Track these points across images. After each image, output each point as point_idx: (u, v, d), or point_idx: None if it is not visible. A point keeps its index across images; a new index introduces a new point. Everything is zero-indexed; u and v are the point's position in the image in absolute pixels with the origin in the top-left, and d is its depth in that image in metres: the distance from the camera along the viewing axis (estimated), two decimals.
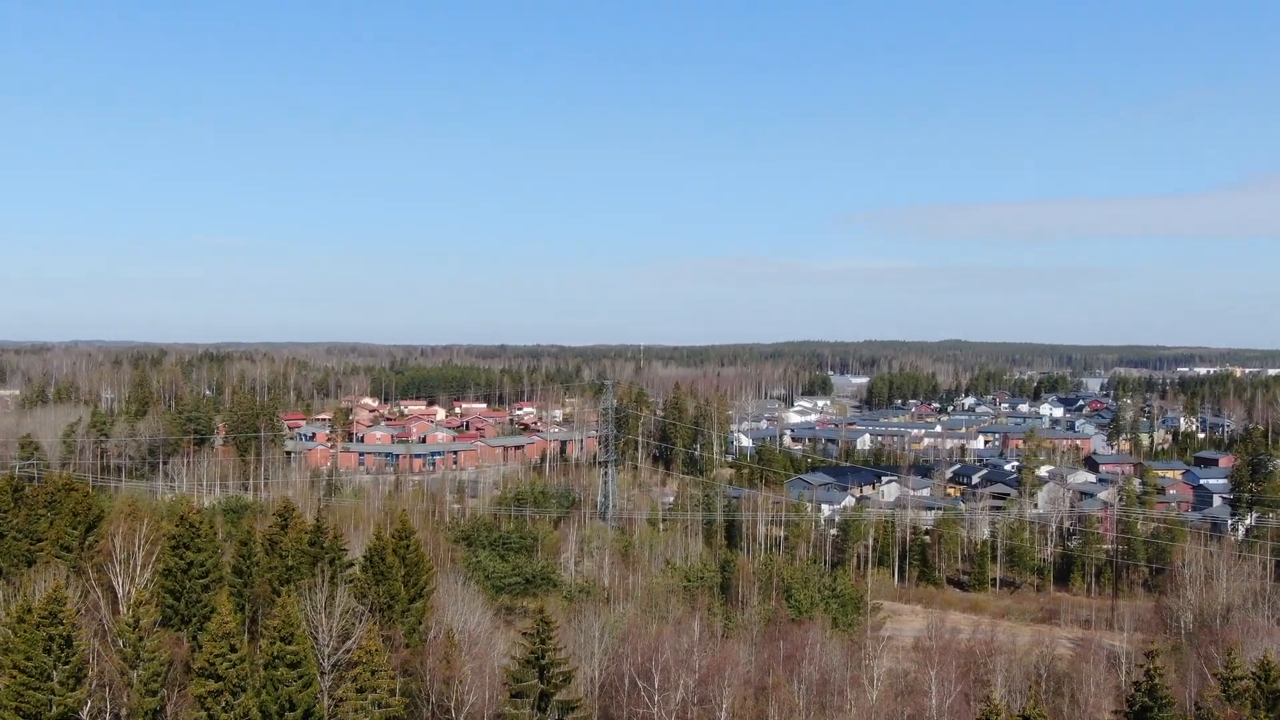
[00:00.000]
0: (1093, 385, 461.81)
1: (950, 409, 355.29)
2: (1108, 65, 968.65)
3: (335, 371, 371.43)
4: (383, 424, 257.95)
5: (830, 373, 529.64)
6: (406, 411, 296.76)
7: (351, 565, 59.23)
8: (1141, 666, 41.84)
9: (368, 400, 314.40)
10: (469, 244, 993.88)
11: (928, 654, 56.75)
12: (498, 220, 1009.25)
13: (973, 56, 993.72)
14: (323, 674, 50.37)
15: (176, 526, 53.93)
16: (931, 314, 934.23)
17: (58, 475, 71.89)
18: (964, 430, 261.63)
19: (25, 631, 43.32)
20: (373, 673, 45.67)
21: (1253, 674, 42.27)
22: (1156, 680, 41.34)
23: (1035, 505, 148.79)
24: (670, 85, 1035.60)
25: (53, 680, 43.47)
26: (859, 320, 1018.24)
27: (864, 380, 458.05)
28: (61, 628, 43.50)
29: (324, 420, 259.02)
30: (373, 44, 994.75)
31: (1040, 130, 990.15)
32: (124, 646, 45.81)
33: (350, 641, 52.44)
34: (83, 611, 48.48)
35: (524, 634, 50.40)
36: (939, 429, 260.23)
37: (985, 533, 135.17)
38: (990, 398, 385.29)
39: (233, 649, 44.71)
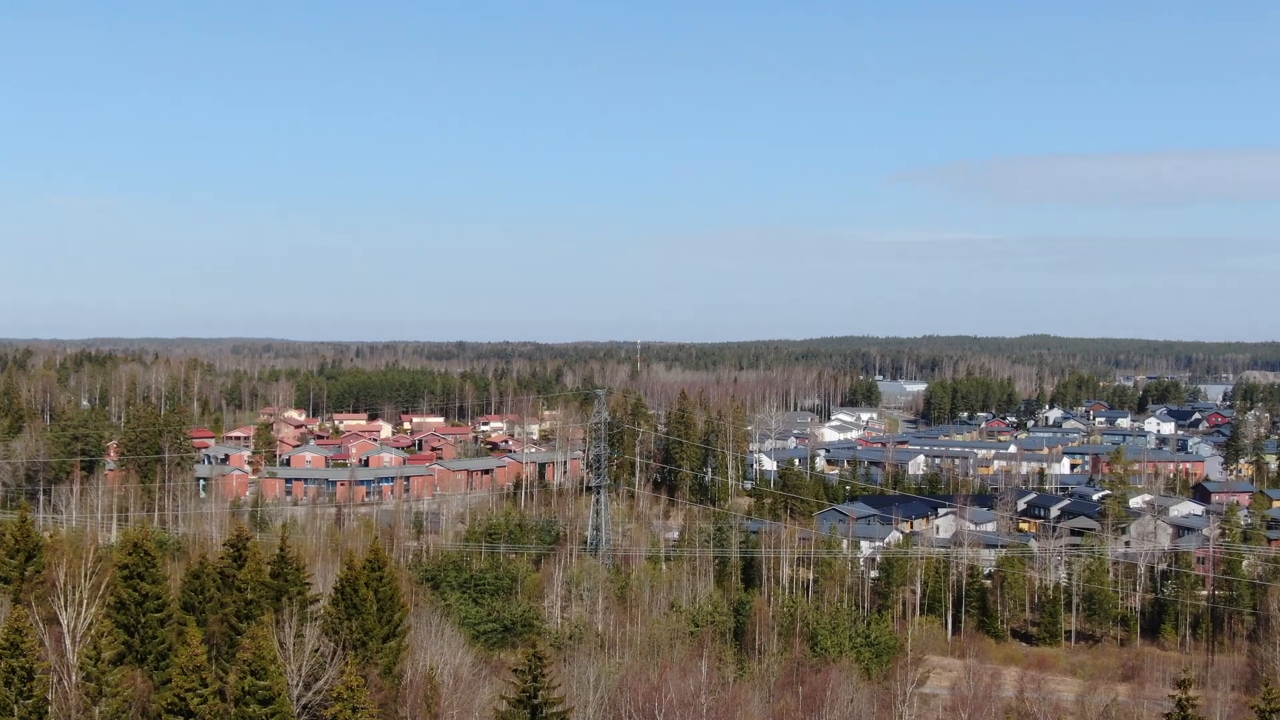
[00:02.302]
0: (1214, 394, 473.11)
1: (1030, 424, 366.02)
2: None
3: (249, 376, 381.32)
4: (313, 443, 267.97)
5: (878, 378, 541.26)
6: (343, 427, 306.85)
7: (316, 600, 68.82)
8: (1173, 697, 51.57)
9: (293, 413, 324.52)
10: (415, 214, 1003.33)
11: (962, 699, 66.39)
12: (452, 185, 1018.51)
13: None
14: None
15: (129, 555, 63.40)
16: (1012, 301, 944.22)
17: None
18: (1045, 451, 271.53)
19: None
20: (354, 709, 55.17)
21: None
22: (1189, 712, 51.15)
23: (1127, 543, 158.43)
24: (678, 12, 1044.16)
25: (14, 715, 53.00)
26: (918, 310, 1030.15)
27: (920, 387, 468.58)
28: (24, 659, 53.02)
29: (239, 439, 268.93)
30: None
31: (1160, 62, 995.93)
32: (85, 680, 55.30)
33: (321, 682, 61.98)
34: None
35: (514, 670, 60.03)
36: (1013, 449, 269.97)
37: (1062, 575, 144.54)
38: (1082, 410, 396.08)
39: (204, 683, 54.24)
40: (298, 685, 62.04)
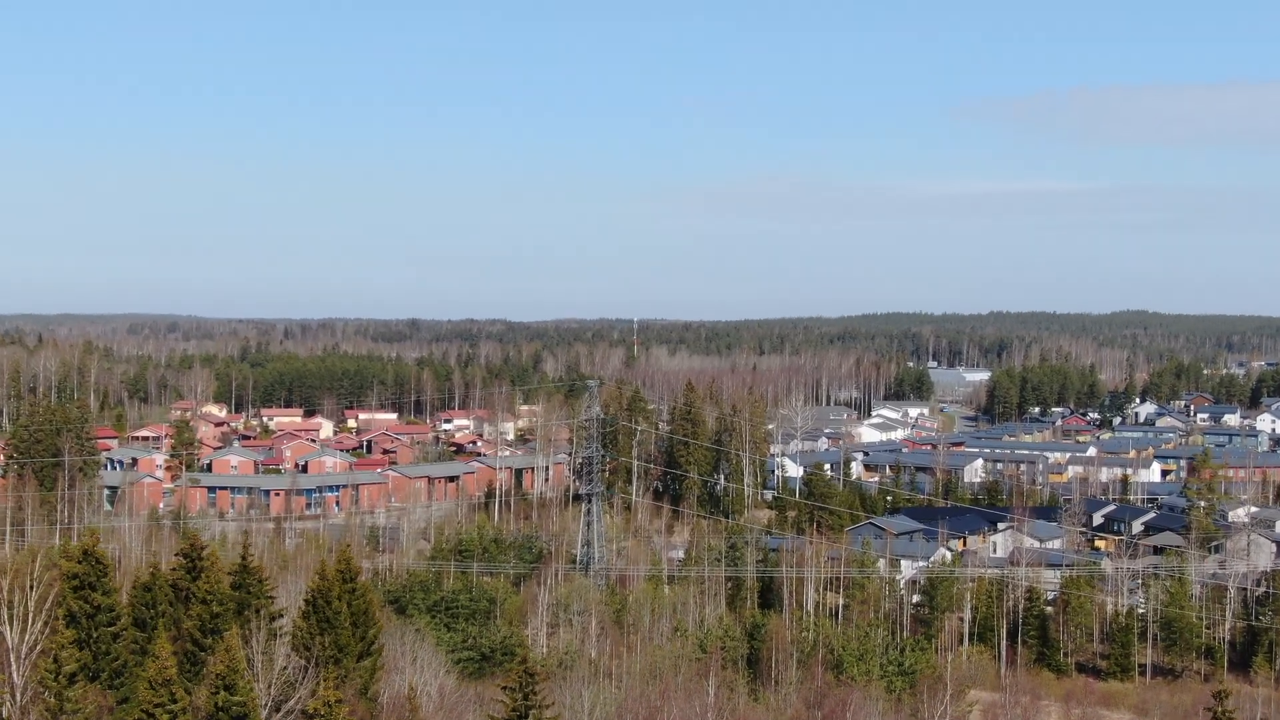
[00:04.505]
0: None
1: (1116, 422, 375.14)
2: None
3: (156, 363, 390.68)
4: (238, 444, 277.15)
5: (931, 365, 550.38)
6: (273, 426, 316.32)
7: (282, 615, 78.26)
8: (1209, 710, 61.24)
9: (212, 408, 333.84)
10: (355, 161, 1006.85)
11: None
12: (400, 125, 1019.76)
13: None
14: None
15: (79, 564, 72.69)
16: (1101, 268, 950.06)
17: None
18: (1131, 454, 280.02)
19: None
20: None
21: None
22: None
23: (1221, 563, 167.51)
24: None
25: None
26: (982, 280, 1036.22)
27: (983, 377, 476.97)
28: None
29: (148, 439, 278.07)
30: None
31: None
32: (42, 695, 64.63)
33: (291, 703, 71.42)
34: None
35: (504, 688, 69.40)
36: (1092, 452, 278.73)
37: (1139, 600, 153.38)
38: (1181, 405, 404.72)
39: (173, 699, 63.63)
40: (266, 706, 71.43)
